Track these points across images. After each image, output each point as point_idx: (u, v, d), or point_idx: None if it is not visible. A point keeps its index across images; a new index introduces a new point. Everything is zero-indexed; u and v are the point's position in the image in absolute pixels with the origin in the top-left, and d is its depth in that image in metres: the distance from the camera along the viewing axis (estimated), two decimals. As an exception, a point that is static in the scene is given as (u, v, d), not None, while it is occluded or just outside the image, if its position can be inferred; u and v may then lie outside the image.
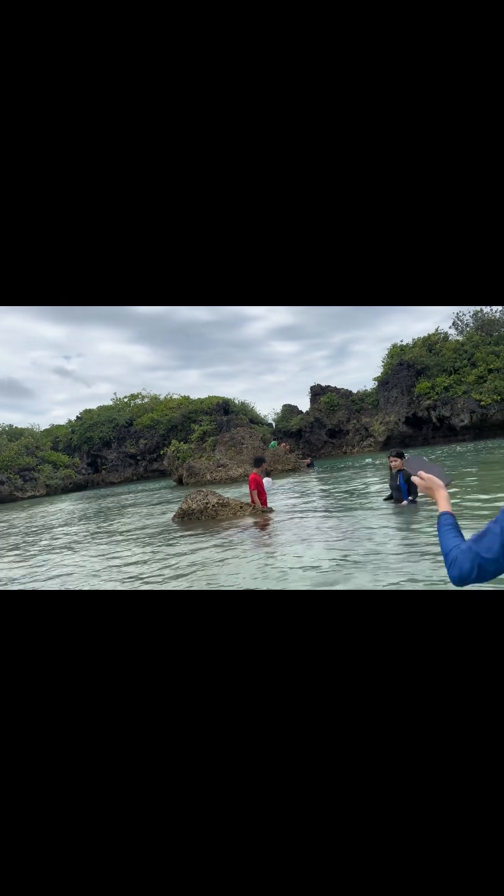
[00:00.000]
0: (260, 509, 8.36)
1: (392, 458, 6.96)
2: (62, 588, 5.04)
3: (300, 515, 7.80)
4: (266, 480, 16.03)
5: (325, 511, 7.84)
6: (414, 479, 1.47)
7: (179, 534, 7.76)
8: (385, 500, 7.49)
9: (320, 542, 5.38)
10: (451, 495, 1.46)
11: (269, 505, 8.91)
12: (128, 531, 9.06)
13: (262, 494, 8.57)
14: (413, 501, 6.78)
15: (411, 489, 6.78)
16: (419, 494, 6.87)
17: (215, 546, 6.05)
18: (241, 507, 8.59)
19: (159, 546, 6.78)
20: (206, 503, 8.78)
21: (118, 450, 32.00)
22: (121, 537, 8.42)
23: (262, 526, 7.39)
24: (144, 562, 5.84)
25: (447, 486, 1.43)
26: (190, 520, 8.75)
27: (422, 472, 1.46)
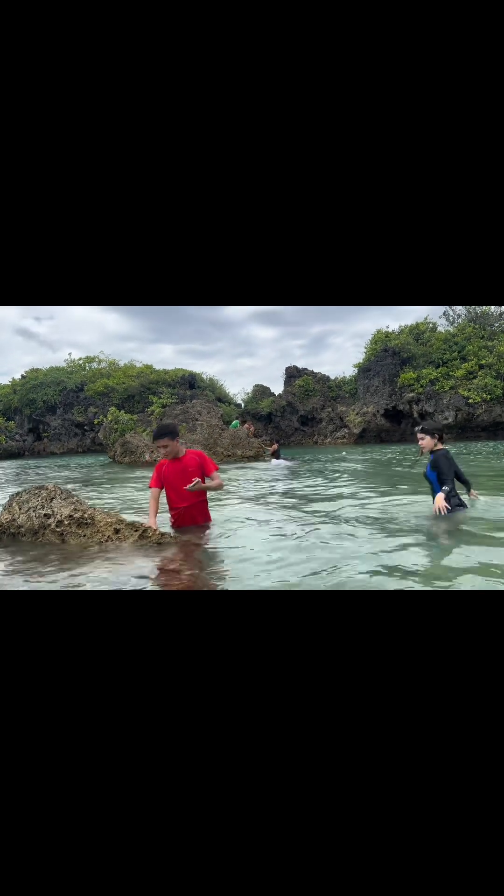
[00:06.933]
0: (171, 535, 3.90)
1: (420, 435, 4.52)
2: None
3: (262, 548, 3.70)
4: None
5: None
6: None
7: None
8: None
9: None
10: None
11: (211, 519, 4.35)
12: None
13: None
14: (455, 504, 4.27)
15: (442, 479, 4.25)
16: (455, 491, 4.40)
17: None
18: (115, 531, 3.96)
19: None
20: (48, 516, 4.14)
21: (63, 416, 28.43)
22: None
23: (174, 570, 3.09)
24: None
25: None
26: (14, 541, 4.15)
27: None
